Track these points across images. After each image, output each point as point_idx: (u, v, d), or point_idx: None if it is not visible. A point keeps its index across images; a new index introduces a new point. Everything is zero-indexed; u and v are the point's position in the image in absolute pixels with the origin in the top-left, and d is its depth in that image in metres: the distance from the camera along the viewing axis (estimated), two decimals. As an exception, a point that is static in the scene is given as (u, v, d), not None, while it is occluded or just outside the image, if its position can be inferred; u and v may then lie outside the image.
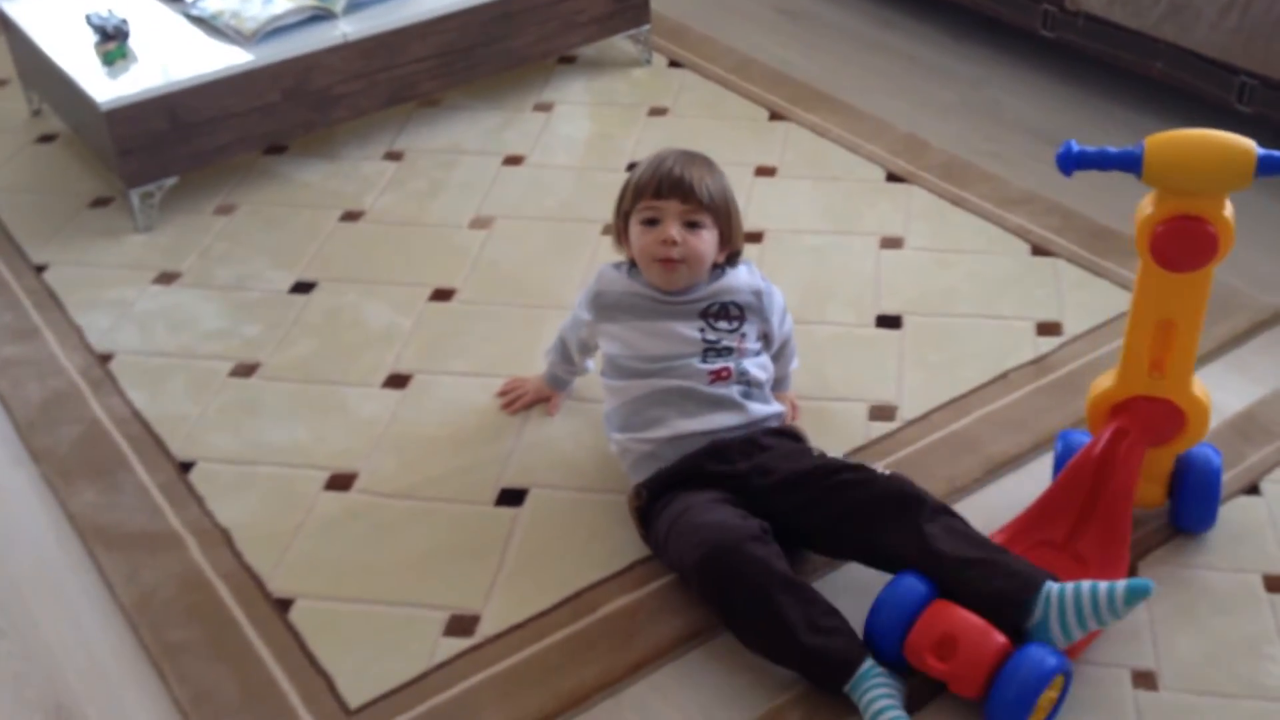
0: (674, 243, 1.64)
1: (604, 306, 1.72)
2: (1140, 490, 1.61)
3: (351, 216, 2.37)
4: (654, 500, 1.60)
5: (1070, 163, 1.44)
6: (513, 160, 2.52)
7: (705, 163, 1.69)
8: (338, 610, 1.60)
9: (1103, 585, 1.40)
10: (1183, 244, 1.43)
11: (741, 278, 1.71)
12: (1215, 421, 1.80)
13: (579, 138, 2.61)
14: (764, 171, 2.45)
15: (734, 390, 1.65)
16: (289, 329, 2.09)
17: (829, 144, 2.54)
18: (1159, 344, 1.53)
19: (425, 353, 2.03)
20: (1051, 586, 1.42)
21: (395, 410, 1.91)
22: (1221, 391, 1.86)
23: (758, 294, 1.71)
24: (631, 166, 2.47)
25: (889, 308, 2.08)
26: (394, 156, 2.55)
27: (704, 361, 1.65)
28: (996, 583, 1.43)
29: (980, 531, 1.52)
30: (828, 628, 1.43)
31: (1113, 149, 1.43)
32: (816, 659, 1.42)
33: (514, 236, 2.30)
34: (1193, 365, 1.55)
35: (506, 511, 1.73)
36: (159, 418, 1.90)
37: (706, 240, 1.66)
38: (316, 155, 2.55)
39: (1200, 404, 1.57)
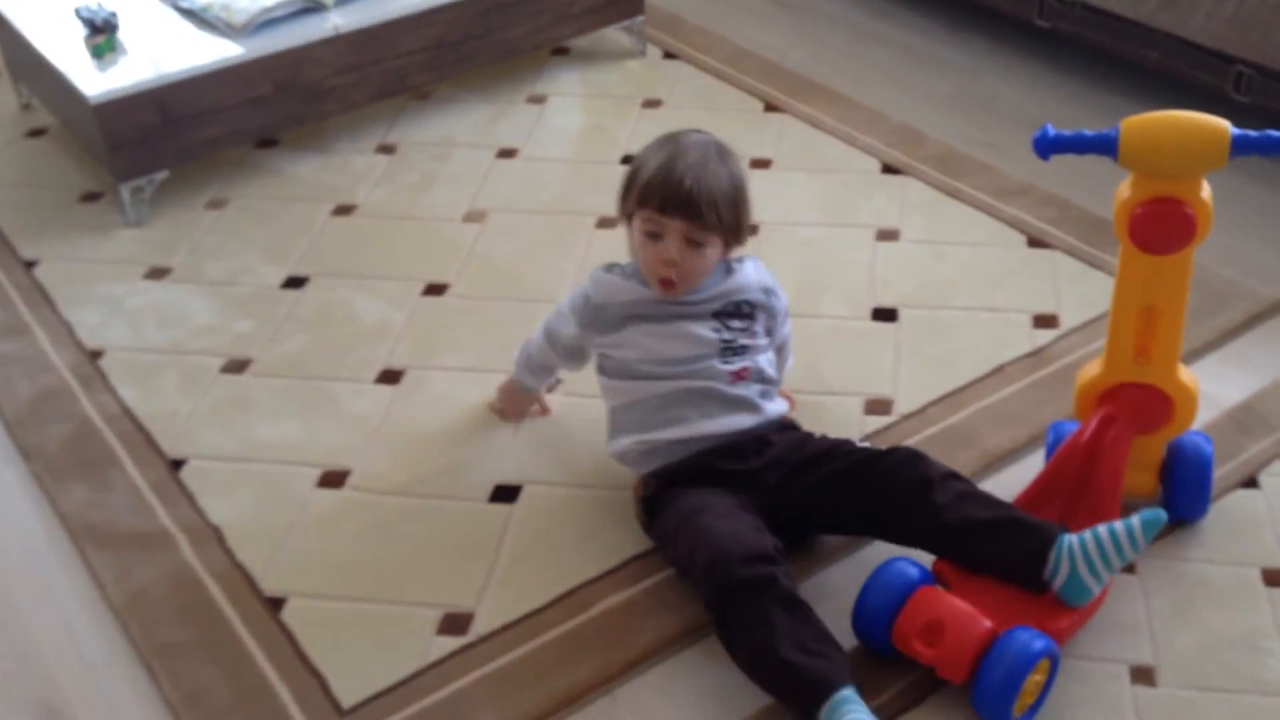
0: (674, 263, 1.58)
1: (609, 320, 1.64)
2: (1132, 479, 1.61)
3: (343, 211, 2.35)
4: (662, 490, 1.58)
5: (1046, 146, 1.45)
6: (506, 153, 2.51)
7: (719, 160, 1.58)
8: (330, 609, 1.58)
9: (1118, 524, 1.42)
10: (1161, 226, 1.44)
11: (750, 275, 1.66)
12: (1213, 414, 1.80)
13: (572, 130, 2.59)
14: (759, 164, 2.44)
15: (754, 390, 1.62)
16: (281, 324, 2.07)
17: (824, 136, 2.52)
18: (1143, 330, 1.53)
19: (418, 348, 2.01)
20: (1066, 538, 1.44)
21: (388, 406, 1.90)
22: (1218, 384, 1.85)
23: (767, 291, 1.67)
24: (626, 160, 2.46)
25: (885, 300, 2.07)
26: (386, 150, 2.53)
27: (724, 362, 1.61)
28: (1015, 541, 1.46)
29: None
30: (815, 650, 1.38)
31: (1089, 132, 1.44)
32: (793, 674, 1.36)
33: (508, 230, 2.29)
34: (1178, 351, 1.55)
35: (500, 508, 1.72)
36: (150, 415, 1.89)
37: (709, 257, 1.59)
38: (308, 149, 2.54)
39: (1187, 390, 1.56)
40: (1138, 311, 1.53)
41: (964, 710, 1.42)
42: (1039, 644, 1.38)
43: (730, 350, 1.62)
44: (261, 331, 2.06)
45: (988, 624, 1.40)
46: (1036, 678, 1.39)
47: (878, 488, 1.53)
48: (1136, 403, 1.57)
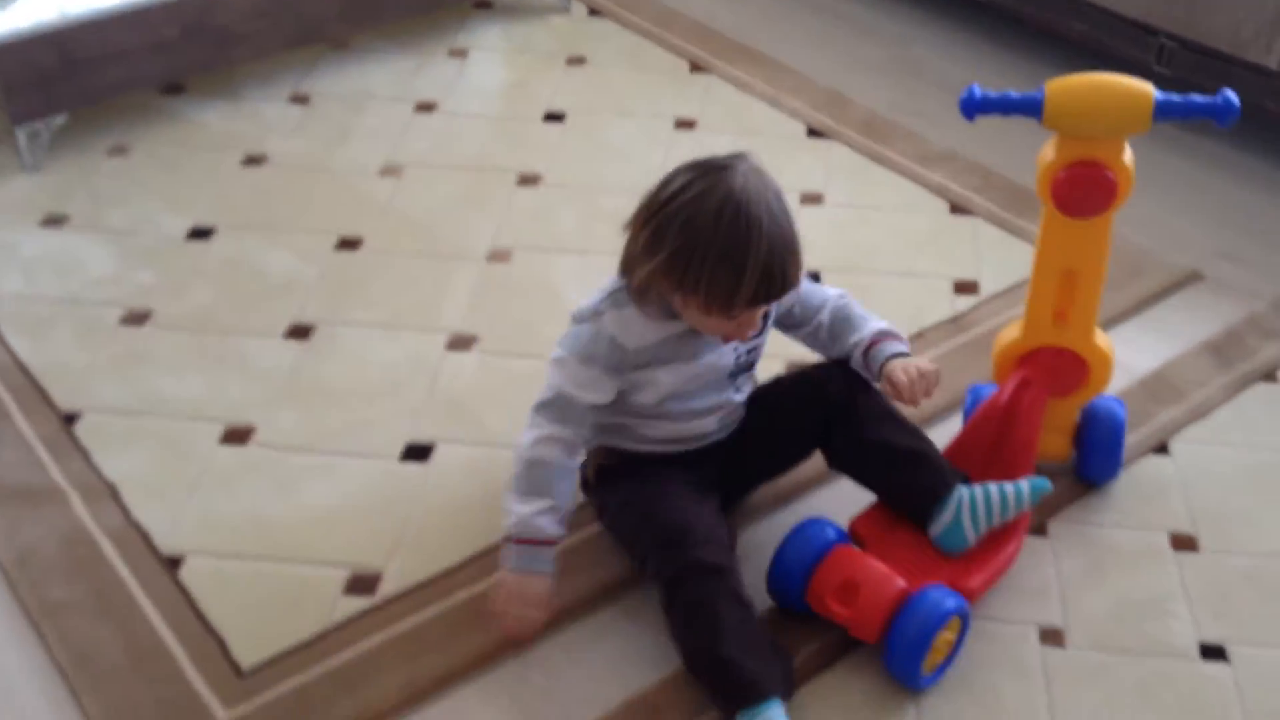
0: (751, 334, 1.42)
1: (638, 363, 1.41)
2: (1046, 442, 1.62)
3: (254, 161, 2.27)
4: (623, 464, 1.51)
5: (973, 107, 1.44)
6: (425, 107, 2.44)
7: (777, 212, 1.34)
8: (232, 569, 1.53)
9: (1008, 485, 1.47)
10: (1083, 189, 1.44)
11: None
12: (1126, 381, 1.81)
13: (494, 86, 2.53)
14: (684, 124, 2.41)
15: (743, 406, 1.53)
16: (185, 276, 1.99)
17: (750, 98, 2.49)
18: (1062, 294, 1.53)
19: (330, 303, 1.95)
20: (963, 490, 1.47)
21: (297, 362, 1.84)
22: (1133, 351, 1.86)
23: None
24: (551, 117, 2.41)
25: (808, 264, 2.02)
26: (300, 100, 2.45)
27: (736, 390, 1.49)
28: (917, 477, 1.47)
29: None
30: (756, 653, 1.34)
31: (1015, 94, 1.43)
32: (729, 672, 1.32)
33: (425, 185, 2.23)
34: (1095, 316, 1.56)
35: (412, 467, 1.67)
36: (43, 367, 1.80)
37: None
38: (217, 96, 2.45)
39: (1103, 354, 1.57)
40: (1058, 275, 1.53)
41: (877, 670, 1.42)
42: (950, 603, 1.38)
43: (742, 369, 1.48)
44: (164, 283, 1.98)
45: (901, 584, 1.40)
46: (947, 636, 1.39)
47: (810, 395, 1.52)
48: (1053, 366, 1.58)
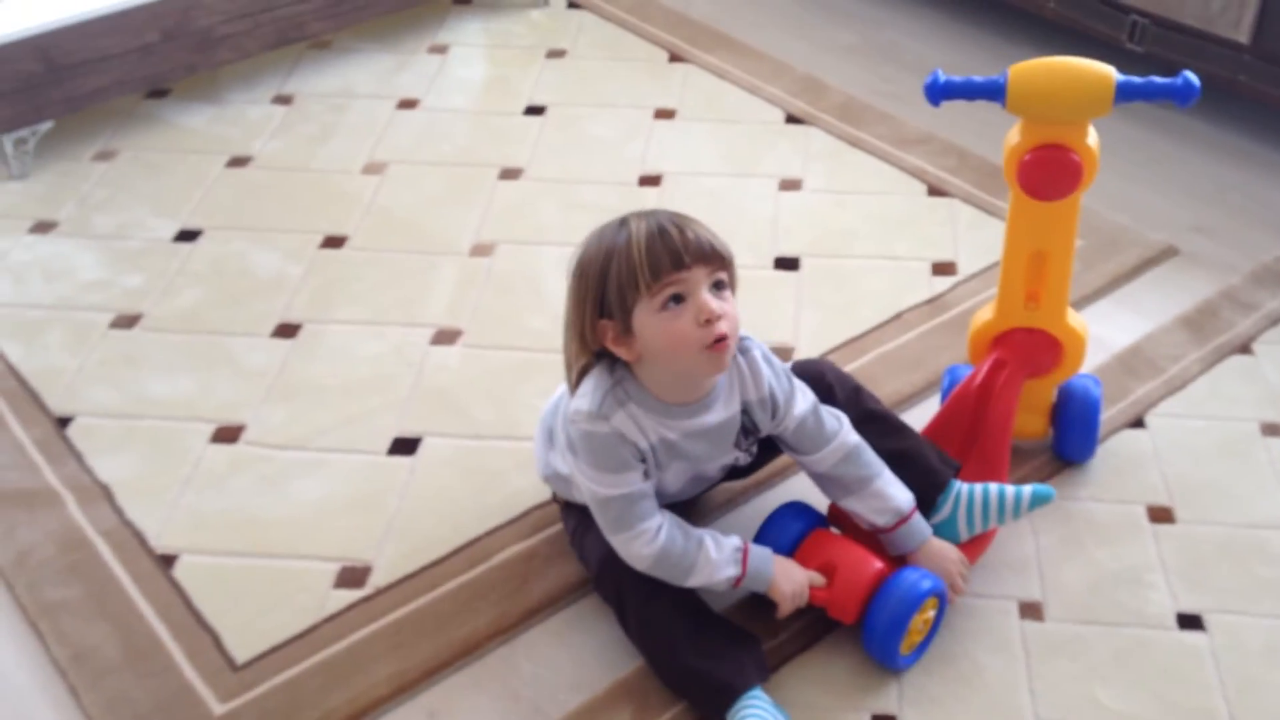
0: (720, 316, 1.28)
1: (660, 463, 1.39)
2: (1023, 422, 1.64)
3: (238, 162, 2.30)
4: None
5: (937, 92, 1.45)
6: (407, 104, 2.46)
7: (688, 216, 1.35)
8: (224, 565, 1.56)
9: (1009, 488, 1.49)
10: (1049, 173, 1.46)
11: (762, 371, 1.41)
12: (1103, 357, 1.84)
13: (475, 80, 2.55)
14: (663, 114, 2.43)
15: None
16: (173, 279, 2.02)
17: (728, 85, 2.51)
18: (1033, 275, 1.55)
19: (316, 301, 1.98)
20: (960, 486, 1.49)
21: (284, 360, 1.86)
22: (1109, 327, 1.89)
23: (774, 397, 1.42)
24: (532, 110, 2.44)
25: (787, 249, 2.08)
26: (282, 100, 2.47)
27: (720, 480, 1.52)
28: (911, 480, 1.46)
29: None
30: (718, 653, 1.36)
31: (978, 78, 1.45)
32: (697, 680, 1.35)
33: (408, 182, 2.25)
34: (1067, 296, 1.58)
35: (400, 461, 1.70)
36: (35, 371, 1.83)
37: (733, 303, 1.33)
38: (201, 99, 2.47)
39: (1076, 335, 1.59)
40: (1027, 257, 1.54)
41: (856, 651, 1.44)
42: (927, 584, 1.40)
43: (740, 470, 1.50)
44: (153, 286, 2.00)
45: (878, 565, 1.42)
46: (925, 616, 1.42)
47: None
48: (1027, 347, 1.59)
